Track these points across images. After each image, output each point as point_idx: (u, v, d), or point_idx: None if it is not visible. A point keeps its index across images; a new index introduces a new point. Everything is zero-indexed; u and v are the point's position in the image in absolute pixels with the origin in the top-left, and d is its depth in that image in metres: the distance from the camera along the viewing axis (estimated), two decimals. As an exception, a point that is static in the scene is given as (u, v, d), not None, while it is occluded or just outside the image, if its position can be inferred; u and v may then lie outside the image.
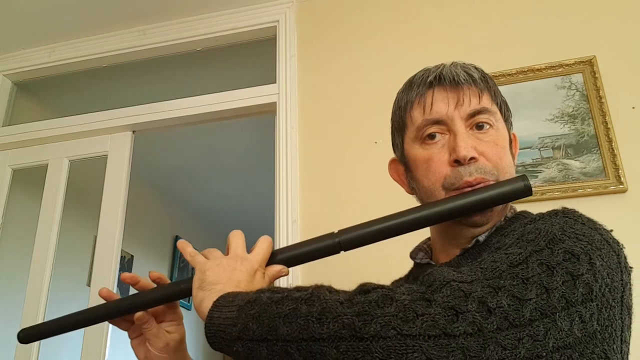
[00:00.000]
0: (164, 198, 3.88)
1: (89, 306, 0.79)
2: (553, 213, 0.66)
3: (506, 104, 0.80)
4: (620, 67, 1.61)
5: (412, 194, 0.81)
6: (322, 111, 1.86)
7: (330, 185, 1.75)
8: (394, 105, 0.83)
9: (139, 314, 0.75)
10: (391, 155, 0.85)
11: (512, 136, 0.80)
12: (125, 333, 0.80)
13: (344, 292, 0.57)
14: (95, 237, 2.00)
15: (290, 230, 1.70)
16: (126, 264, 3.32)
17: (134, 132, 2.14)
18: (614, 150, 1.51)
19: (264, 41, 2.10)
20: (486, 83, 0.76)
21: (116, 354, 1.88)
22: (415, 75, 0.80)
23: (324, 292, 0.56)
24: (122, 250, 2.02)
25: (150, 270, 0.79)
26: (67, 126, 2.17)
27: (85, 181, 2.28)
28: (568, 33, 1.69)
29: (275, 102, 1.91)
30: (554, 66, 1.65)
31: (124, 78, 2.31)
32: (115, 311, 0.76)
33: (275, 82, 1.95)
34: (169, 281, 0.78)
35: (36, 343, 1.89)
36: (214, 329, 0.58)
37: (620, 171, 1.49)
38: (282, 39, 2.00)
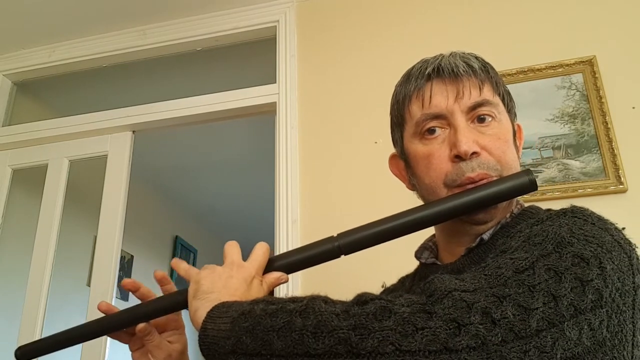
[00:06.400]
0: (164, 198, 3.88)
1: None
2: (562, 213, 0.63)
3: (509, 94, 0.76)
4: (620, 67, 1.61)
5: (413, 190, 0.78)
6: (322, 111, 1.86)
7: (331, 185, 1.75)
8: (392, 99, 0.79)
9: (141, 325, 0.73)
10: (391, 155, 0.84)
11: (516, 127, 0.76)
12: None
13: (341, 302, 0.54)
14: (95, 237, 2.00)
15: (290, 231, 1.70)
16: (126, 264, 3.32)
17: (134, 132, 2.14)
18: (614, 150, 1.51)
19: (264, 41, 2.10)
20: (487, 73, 0.73)
21: (116, 355, 1.88)
22: (413, 67, 0.77)
23: (319, 303, 0.53)
24: (122, 250, 2.02)
25: (152, 270, 0.78)
26: (67, 126, 2.17)
27: (85, 181, 2.28)
28: (568, 33, 1.69)
29: (275, 102, 1.91)
30: (554, 66, 1.65)
31: (124, 78, 2.30)
32: (116, 324, 0.74)
33: (275, 82, 1.95)
34: (172, 282, 0.77)
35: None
36: (207, 340, 0.56)
37: (620, 171, 1.49)
38: (282, 39, 2.00)
